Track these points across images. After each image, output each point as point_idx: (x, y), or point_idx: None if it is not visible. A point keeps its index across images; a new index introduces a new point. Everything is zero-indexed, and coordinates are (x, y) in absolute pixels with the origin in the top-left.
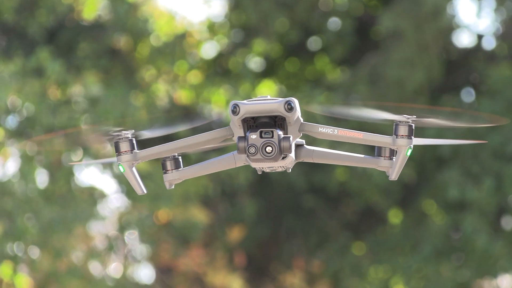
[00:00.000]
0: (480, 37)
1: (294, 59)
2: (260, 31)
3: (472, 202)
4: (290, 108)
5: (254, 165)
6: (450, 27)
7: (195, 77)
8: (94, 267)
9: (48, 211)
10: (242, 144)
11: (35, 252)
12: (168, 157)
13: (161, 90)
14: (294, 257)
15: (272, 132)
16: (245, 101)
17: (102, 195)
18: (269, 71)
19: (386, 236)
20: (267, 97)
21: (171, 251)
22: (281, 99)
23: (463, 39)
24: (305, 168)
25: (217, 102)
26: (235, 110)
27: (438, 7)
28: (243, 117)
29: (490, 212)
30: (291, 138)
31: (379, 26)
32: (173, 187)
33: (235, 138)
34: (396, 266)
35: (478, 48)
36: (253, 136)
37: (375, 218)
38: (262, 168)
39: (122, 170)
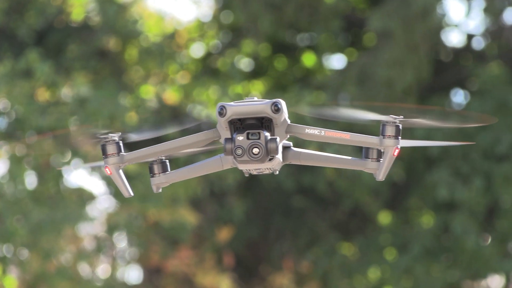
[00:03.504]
0: (469, 36)
1: (283, 59)
2: (248, 31)
3: (461, 202)
4: (277, 109)
5: (241, 167)
6: (440, 26)
7: (183, 77)
8: (83, 268)
9: (37, 212)
10: (229, 146)
11: (24, 254)
12: (155, 161)
13: (150, 91)
14: (283, 258)
15: (259, 133)
16: (232, 103)
17: (91, 197)
18: (258, 71)
19: (375, 237)
20: (253, 99)
21: (159, 252)
22: (268, 100)
23: (453, 39)
24: (294, 168)
25: (206, 102)
26: (222, 112)
27: (427, 7)
28: (230, 119)
29: (479, 212)
30: (278, 140)
31: (368, 26)
32: (160, 190)
33: (222, 140)
34: (385, 267)
35: (467, 47)
36: (240, 138)
37: (364, 219)
38: (249, 170)
39: (109, 172)
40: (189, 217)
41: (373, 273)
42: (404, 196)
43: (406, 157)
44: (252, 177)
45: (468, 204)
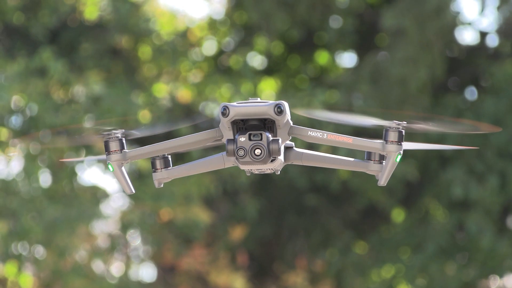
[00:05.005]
0: (483, 34)
1: (296, 57)
2: (261, 29)
3: (476, 201)
4: (279, 111)
5: (243, 167)
6: (453, 24)
7: (196, 75)
8: (97, 266)
9: (51, 210)
10: (231, 147)
11: (39, 251)
12: (158, 156)
13: (163, 89)
14: (297, 256)
15: (261, 134)
16: (235, 103)
17: (105, 195)
18: (271, 69)
19: (390, 235)
20: (257, 100)
21: (173, 250)
22: (271, 102)
23: (467, 37)
24: (307, 167)
25: (219, 100)
26: (224, 112)
27: (441, 5)
28: (233, 119)
29: (494, 211)
30: (280, 141)
31: (381, 24)
32: (162, 185)
33: (224, 140)
34: (399, 265)
35: (481, 45)
36: (242, 139)
37: (378, 217)
38: (251, 170)
39: (111, 169)
40: (202, 215)
41: (388, 272)
42: (418, 194)
43: (420, 155)
44: (265, 175)
45: (483, 202)
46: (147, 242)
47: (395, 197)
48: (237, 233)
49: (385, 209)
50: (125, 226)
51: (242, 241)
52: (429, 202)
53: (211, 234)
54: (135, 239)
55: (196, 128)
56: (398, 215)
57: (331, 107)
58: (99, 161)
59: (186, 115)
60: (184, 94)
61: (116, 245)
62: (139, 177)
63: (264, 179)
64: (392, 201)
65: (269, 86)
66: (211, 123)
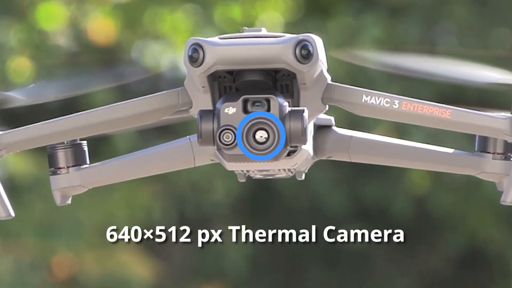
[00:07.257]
0: None
1: None
2: None
3: None
4: (306, 54)
5: (231, 166)
6: None
7: None
8: None
9: None
10: (207, 126)
11: None
12: (61, 144)
13: (58, 15)
14: None
15: (269, 101)
16: (215, 39)
17: None
18: None
19: None
20: (261, 31)
21: None
22: (289, 36)
23: None
24: (345, 168)
25: (169, 37)
26: (194, 57)
27: None
28: (213, 71)
29: None
30: (306, 115)
31: None
32: (69, 202)
33: (194, 111)
34: None
35: None
36: (230, 110)
37: (489, 268)
38: (248, 171)
39: None
40: (137, 267)
41: None
42: None
43: None
44: (262, 187)
45: None
46: None
47: None
48: None
49: (502, 253)
50: None
51: None
52: None
53: None
54: None
55: (126, 92)
56: None
57: (396, 49)
58: None
59: (106, 67)
60: (101, 27)
61: None
62: (13, 192)
63: (260, 195)
64: None
65: (272, 10)
66: (156, 84)
